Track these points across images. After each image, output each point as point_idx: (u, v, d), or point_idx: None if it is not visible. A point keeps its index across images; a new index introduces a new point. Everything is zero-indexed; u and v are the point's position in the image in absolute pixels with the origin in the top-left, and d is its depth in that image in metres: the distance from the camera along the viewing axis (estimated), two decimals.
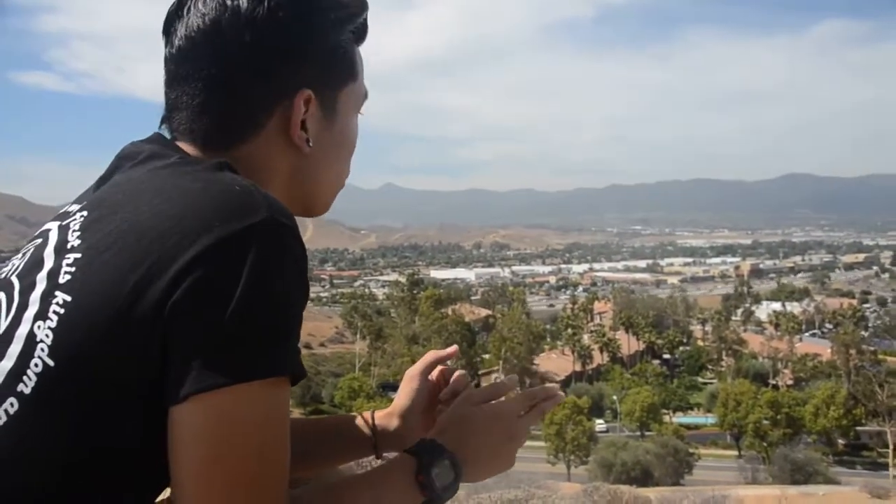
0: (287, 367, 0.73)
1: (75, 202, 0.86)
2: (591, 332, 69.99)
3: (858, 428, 44.66)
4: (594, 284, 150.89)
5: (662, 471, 34.15)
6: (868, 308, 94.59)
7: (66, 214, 0.83)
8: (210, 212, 0.72)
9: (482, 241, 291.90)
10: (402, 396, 1.12)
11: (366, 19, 0.95)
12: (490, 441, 0.94)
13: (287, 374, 0.73)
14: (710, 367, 67.46)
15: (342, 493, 0.83)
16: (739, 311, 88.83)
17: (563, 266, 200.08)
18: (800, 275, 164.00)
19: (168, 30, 0.88)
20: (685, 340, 75.98)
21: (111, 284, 0.71)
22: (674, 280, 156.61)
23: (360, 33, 0.95)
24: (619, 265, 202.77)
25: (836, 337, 57.96)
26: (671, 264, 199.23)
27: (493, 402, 1.00)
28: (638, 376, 58.36)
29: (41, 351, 0.71)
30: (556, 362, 63.76)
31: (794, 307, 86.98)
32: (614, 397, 50.74)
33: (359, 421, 1.13)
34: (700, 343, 74.42)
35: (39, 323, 0.73)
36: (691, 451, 37.11)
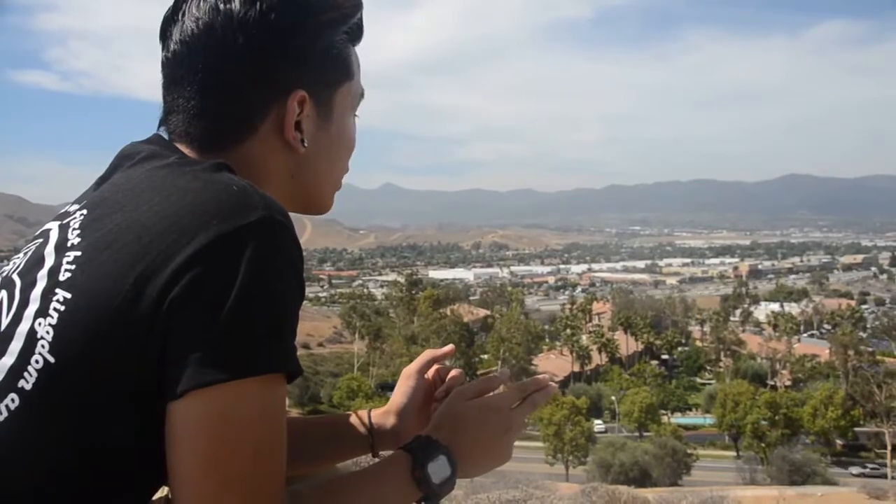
0: (283, 365, 0.73)
1: (75, 202, 0.87)
2: (590, 332, 69.96)
3: (857, 429, 44.70)
4: (593, 285, 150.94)
5: (661, 471, 34.16)
6: (866, 309, 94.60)
7: (67, 214, 0.85)
8: (208, 210, 0.73)
9: (481, 241, 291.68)
10: (399, 395, 1.13)
11: (360, 20, 0.96)
12: (485, 434, 0.94)
13: (283, 371, 0.74)
14: (708, 367, 67.48)
15: (340, 489, 0.84)
16: (738, 312, 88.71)
17: (561, 266, 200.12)
18: (798, 275, 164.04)
19: (164, 34, 0.89)
20: (684, 341, 75.97)
21: (111, 281, 0.72)
22: (672, 281, 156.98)
23: (355, 34, 0.96)
24: (618, 266, 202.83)
25: (835, 338, 58.05)
26: (670, 265, 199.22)
27: (486, 395, 1.00)
28: (636, 377, 58.33)
29: (42, 348, 0.72)
30: (554, 363, 63.70)
31: (793, 308, 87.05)
32: (613, 398, 50.69)
33: (355, 419, 1.14)
34: (698, 344, 74.43)
35: (40, 320, 0.74)
36: (689, 451, 37.10)
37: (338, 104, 0.94)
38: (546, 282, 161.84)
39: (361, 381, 47.28)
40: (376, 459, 1.04)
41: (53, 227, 0.84)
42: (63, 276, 0.75)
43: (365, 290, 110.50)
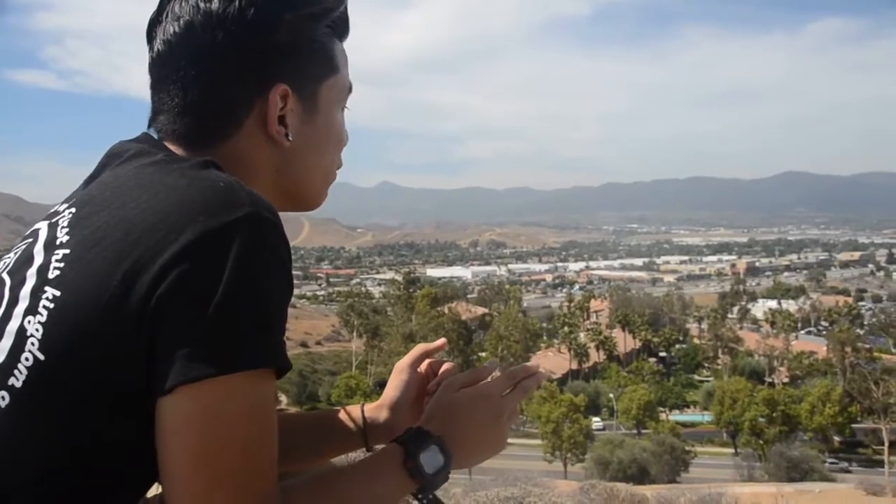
0: (272, 360, 0.73)
1: (65, 201, 0.87)
2: (588, 330, 70.10)
3: (854, 425, 44.80)
4: (590, 283, 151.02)
5: (659, 468, 34.22)
6: (863, 306, 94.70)
7: (56, 213, 0.85)
8: (195, 207, 0.74)
9: (478, 239, 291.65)
10: (392, 388, 1.13)
11: (344, 13, 0.96)
12: (477, 422, 0.94)
13: (272, 366, 0.74)
14: (706, 364, 67.64)
15: (333, 482, 0.83)
16: (735, 309, 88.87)
17: (559, 264, 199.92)
18: (796, 273, 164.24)
19: (150, 36, 0.90)
20: (681, 338, 76.03)
21: (99, 279, 0.72)
22: (670, 278, 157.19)
23: (340, 28, 0.96)
24: (616, 263, 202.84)
25: (832, 335, 58.20)
26: (667, 262, 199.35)
27: (476, 384, 1.00)
28: (634, 374, 58.43)
29: (31, 345, 0.72)
30: (552, 360, 63.79)
31: (790, 305, 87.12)
32: (611, 395, 50.79)
33: (347, 414, 1.14)
34: (696, 341, 74.51)
35: (30, 318, 0.74)
36: (687, 448, 37.17)
37: (323, 98, 0.93)
38: (544, 280, 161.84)
39: (360, 380, 47.31)
40: (370, 454, 1.02)
41: (43, 226, 0.84)
42: (52, 274, 0.76)
43: (363, 289, 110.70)
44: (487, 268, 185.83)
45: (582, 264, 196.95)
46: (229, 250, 0.72)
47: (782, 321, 66.29)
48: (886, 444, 39.83)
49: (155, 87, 0.90)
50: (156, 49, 0.89)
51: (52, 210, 0.88)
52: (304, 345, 67.46)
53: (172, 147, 0.87)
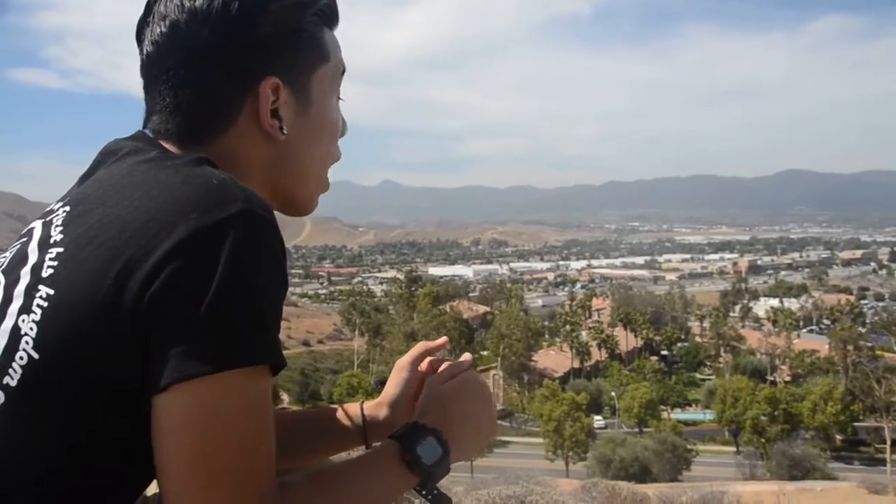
0: (267, 357, 0.73)
1: (59, 200, 0.87)
2: (590, 328, 70.02)
3: (856, 424, 44.78)
4: (592, 281, 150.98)
5: (660, 467, 34.24)
6: (865, 304, 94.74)
7: (51, 212, 0.85)
8: (188, 204, 0.73)
9: (480, 237, 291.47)
10: (392, 386, 1.13)
11: (332, 1, 0.96)
12: (469, 410, 0.96)
13: (267, 363, 0.73)
14: (708, 363, 67.71)
15: (332, 479, 0.83)
16: (737, 308, 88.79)
17: (561, 263, 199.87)
18: (797, 271, 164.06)
19: (139, 38, 0.90)
20: (683, 337, 76.07)
21: (93, 277, 0.72)
22: (672, 276, 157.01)
23: (328, 16, 0.95)
24: (617, 262, 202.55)
25: (834, 333, 58.15)
26: (669, 261, 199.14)
27: (458, 376, 1.02)
28: (636, 373, 58.44)
29: (26, 344, 0.72)
30: (554, 359, 63.86)
31: (792, 303, 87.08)
32: (612, 394, 50.81)
33: (347, 412, 1.13)
34: (698, 339, 74.59)
35: (24, 317, 0.74)
36: (689, 447, 37.24)
37: (316, 88, 0.93)
38: (545, 278, 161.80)
39: (361, 378, 47.37)
40: (368, 451, 1.04)
41: (37, 224, 0.84)
42: (46, 273, 0.75)
43: (364, 287, 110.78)
44: (489, 266, 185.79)
45: (584, 263, 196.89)
46: (222, 247, 0.71)
47: (784, 319, 66.37)
48: (888, 442, 39.85)
49: (147, 88, 0.90)
50: (145, 51, 0.89)
51: (47, 209, 0.87)
52: (306, 343, 67.54)
53: (167, 145, 0.87)
